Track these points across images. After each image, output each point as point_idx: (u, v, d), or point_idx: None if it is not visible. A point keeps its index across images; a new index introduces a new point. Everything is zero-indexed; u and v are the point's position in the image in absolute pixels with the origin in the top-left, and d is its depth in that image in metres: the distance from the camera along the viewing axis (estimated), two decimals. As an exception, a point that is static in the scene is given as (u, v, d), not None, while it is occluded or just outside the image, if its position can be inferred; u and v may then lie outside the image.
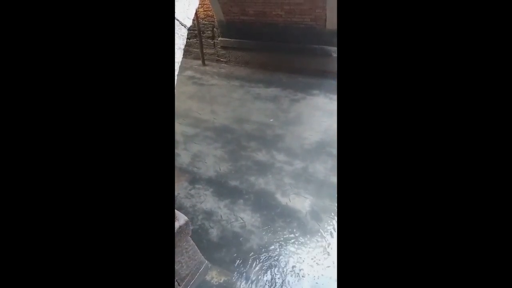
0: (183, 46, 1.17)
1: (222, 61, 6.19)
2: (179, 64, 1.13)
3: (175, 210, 1.54)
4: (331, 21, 4.50)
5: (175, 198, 2.72)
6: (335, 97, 4.53)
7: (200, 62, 6.24)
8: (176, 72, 1.12)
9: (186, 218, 1.57)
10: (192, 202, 2.72)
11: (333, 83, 4.92)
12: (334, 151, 3.31)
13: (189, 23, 1.17)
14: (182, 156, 3.37)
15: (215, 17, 5.63)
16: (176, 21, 1.11)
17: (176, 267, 1.64)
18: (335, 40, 4.70)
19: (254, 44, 5.47)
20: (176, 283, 1.69)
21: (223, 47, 5.96)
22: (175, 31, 1.11)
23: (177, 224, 1.51)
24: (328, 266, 2.10)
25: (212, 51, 6.20)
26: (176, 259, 1.63)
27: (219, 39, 5.89)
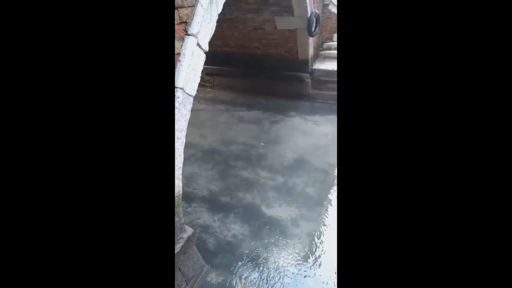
0: (190, 108, 1.71)
1: (207, 86, 6.74)
2: (185, 132, 1.65)
3: (184, 225, 2.00)
4: (302, 53, 5.23)
5: (177, 215, 3.15)
6: (309, 117, 5.17)
7: (186, 87, 6.75)
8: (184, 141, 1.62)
9: (192, 230, 2.04)
10: (190, 219, 3.16)
11: (307, 105, 5.59)
12: (309, 166, 3.89)
13: (194, 93, 1.71)
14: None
15: (199, 48, 6.22)
16: (186, 94, 1.65)
17: (185, 269, 2.09)
18: (307, 67, 5.43)
19: (236, 71, 6.10)
20: (184, 283, 2.13)
21: (208, 74, 6.53)
22: (187, 100, 1.64)
23: (186, 235, 1.98)
24: (306, 263, 2.61)
25: (197, 77, 6.75)
26: (184, 263, 2.08)
27: (204, 66, 6.46)
